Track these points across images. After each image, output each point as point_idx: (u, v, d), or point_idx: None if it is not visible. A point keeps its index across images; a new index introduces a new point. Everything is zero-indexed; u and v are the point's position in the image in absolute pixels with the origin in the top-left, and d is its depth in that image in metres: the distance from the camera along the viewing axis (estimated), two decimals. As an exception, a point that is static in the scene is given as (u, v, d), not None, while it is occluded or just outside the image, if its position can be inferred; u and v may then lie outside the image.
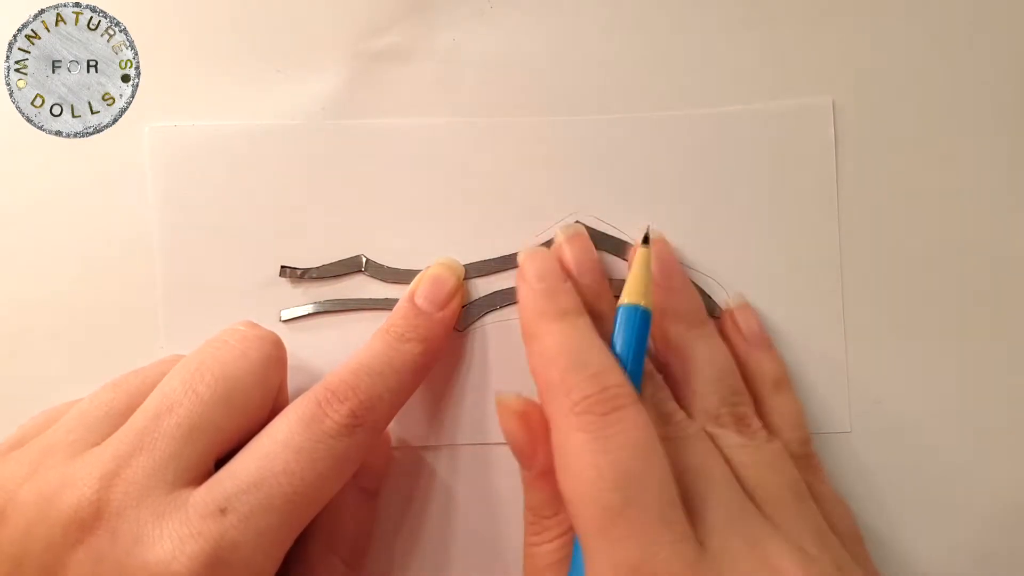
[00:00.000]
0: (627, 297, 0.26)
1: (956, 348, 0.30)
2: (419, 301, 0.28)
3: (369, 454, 0.27)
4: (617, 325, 0.26)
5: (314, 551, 0.27)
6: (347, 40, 0.30)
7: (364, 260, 0.30)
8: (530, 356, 0.26)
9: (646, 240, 0.28)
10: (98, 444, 0.24)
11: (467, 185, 0.30)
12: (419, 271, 0.30)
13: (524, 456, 0.25)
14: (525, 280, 0.27)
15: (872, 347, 0.30)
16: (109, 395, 0.26)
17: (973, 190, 0.30)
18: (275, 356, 0.26)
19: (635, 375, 0.25)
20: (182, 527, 0.22)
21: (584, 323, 0.26)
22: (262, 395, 0.26)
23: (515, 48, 0.31)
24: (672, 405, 0.27)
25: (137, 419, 0.24)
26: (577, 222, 0.30)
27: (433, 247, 0.30)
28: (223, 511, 0.23)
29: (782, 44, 0.31)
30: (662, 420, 0.26)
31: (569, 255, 0.28)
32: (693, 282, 0.30)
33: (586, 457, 0.22)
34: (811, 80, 0.31)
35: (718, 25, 0.31)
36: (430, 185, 0.30)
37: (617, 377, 0.24)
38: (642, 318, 0.26)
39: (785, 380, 0.29)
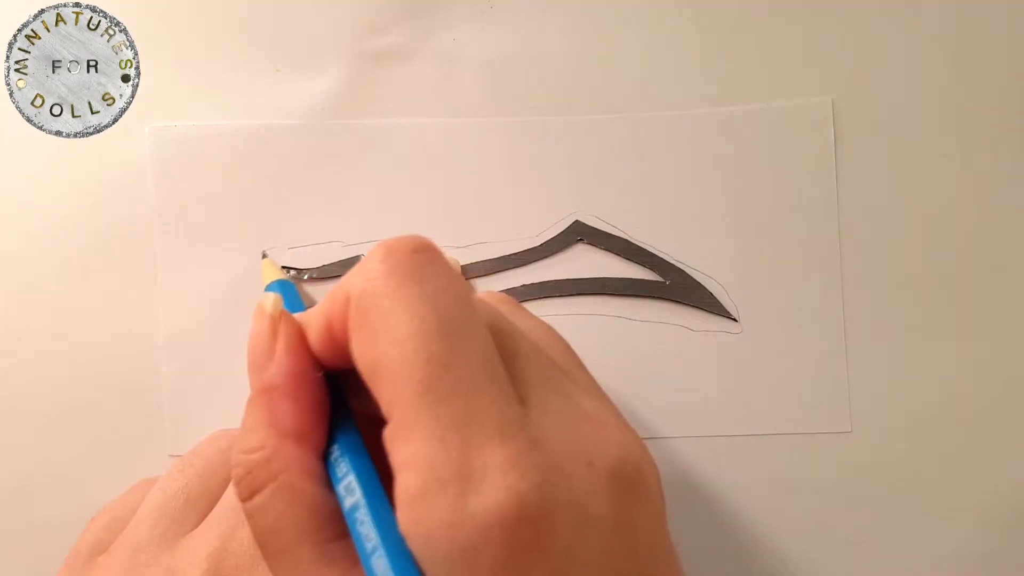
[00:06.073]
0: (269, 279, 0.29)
1: (956, 348, 0.30)
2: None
3: None
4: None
5: None
6: (347, 40, 0.30)
7: (364, 260, 0.30)
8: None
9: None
10: (189, 532, 0.25)
11: (467, 185, 0.30)
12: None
13: (263, 356, 0.22)
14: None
15: (872, 347, 0.30)
16: (181, 482, 0.26)
17: (973, 190, 0.30)
18: None
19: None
20: None
21: None
22: None
23: (515, 48, 0.31)
24: None
25: (231, 496, 0.25)
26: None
27: (433, 247, 0.30)
28: None
29: (782, 44, 0.31)
30: None
31: None
32: None
33: (403, 311, 0.19)
34: (811, 80, 0.31)
35: (718, 25, 0.31)
36: (430, 185, 0.30)
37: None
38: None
39: None
